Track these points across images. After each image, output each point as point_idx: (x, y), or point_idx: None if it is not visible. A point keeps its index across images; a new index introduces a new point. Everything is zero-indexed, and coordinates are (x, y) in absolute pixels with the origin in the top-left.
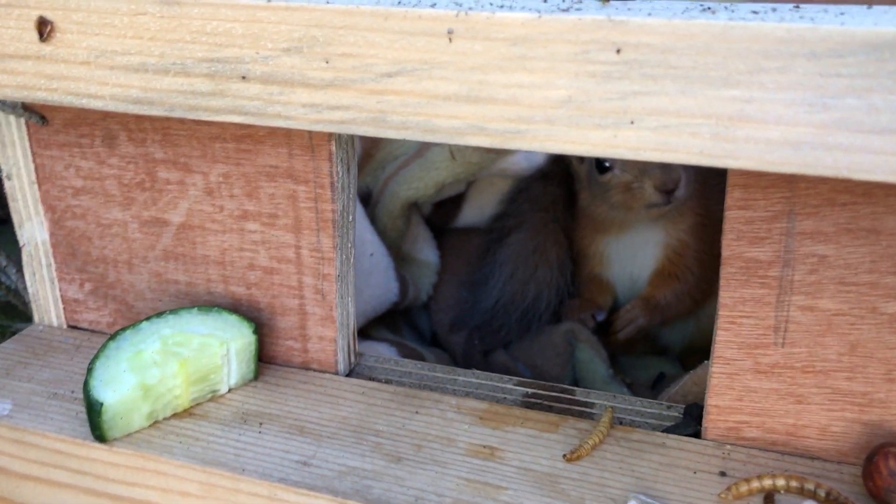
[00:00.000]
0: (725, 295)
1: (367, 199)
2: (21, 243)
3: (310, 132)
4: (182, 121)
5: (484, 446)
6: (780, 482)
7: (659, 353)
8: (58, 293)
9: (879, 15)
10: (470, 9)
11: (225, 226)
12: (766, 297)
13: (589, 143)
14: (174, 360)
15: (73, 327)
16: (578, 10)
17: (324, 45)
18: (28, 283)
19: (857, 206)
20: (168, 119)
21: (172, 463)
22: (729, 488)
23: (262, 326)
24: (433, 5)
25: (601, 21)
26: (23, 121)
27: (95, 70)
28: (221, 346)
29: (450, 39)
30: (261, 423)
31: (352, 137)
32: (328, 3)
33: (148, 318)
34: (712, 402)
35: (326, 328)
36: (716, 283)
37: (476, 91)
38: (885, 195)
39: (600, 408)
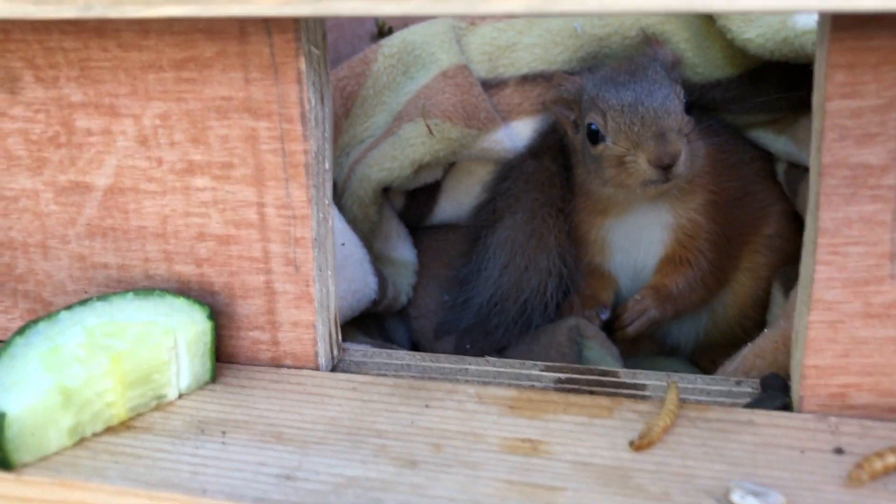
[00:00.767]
0: (826, 216)
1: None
2: None
3: (271, 46)
4: (104, 47)
5: (522, 440)
6: None
7: (668, 354)
8: None
9: None
10: None
11: (165, 185)
12: (878, 214)
13: None
14: (104, 356)
15: None
16: None
17: None
18: None
19: None
20: (86, 48)
21: (106, 489)
22: (860, 465)
23: (218, 315)
24: None
25: None
26: None
27: None
28: (167, 335)
29: None
30: (224, 433)
31: (324, 57)
32: None
33: (68, 307)
34: (810, 361)
35: (302, 310)
36: (731, 269)
37: None
38: None
39: (654, 389)
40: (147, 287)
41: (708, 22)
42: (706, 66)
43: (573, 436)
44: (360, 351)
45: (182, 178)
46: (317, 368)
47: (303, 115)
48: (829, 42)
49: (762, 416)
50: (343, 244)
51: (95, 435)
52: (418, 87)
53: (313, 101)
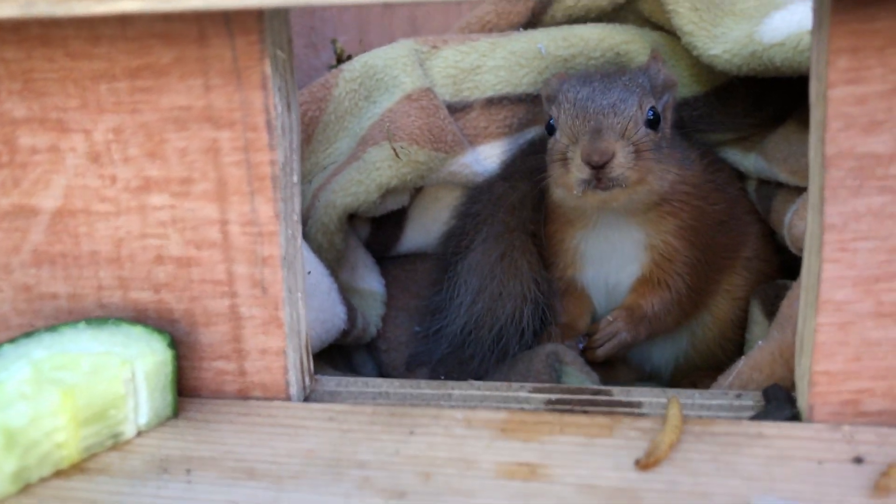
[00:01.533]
0: (832, 211)
1: None
2: None
3: (233, 49)
4: (50, 57)
5: (520, 463)
6: None
7: (647, 379)
8: None
9: None
10: None
11: (119, 204)
12: (888, 206)
13: None
14: (53, 391)
15: None
16: None
17: None
18: None
19: None
20: (30, 58)
21: None
22: (886, 474)
23: (179, 345)
24: None
25: None
26: None
27: None
28: (123, 366)
29: None
30: (189, 471)
31: (290, 62)
32: None
33: (12, 340)
34: (820, 367)
35: (271, 336)
36: (709, 293)
37: None
38: None
39: (650, 407)
40: (101, 317)
41: (673, 40)
42: None
43: (574, 457)
44: (332, 380)
45: (138, 196)
46: (288, 399)
47: (269, 123)
48: (830, 26)
49: (771, 427)
50: (309, 272)
51: (43, 480)
52: (382, 110)
53: (280, 108)
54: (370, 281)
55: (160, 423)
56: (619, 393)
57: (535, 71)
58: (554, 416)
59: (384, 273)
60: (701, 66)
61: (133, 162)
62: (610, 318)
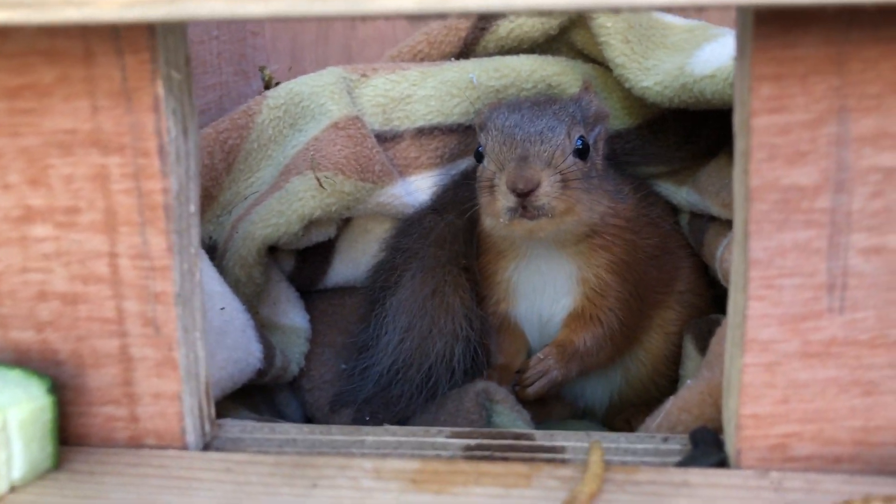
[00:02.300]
0: (757, 246)
1: (212, 254)
2: None
3: (123, 69)
4: None
5: None
6: None
7: (581, 417)
8: None
9: None
10: None
11: None
12: (813, 241)
13: None
14: None
15: None
16: None
17: None
18: None
19: None
20: None
21: None
22: None
23: (64, 389)
24: None
25: None
26: None
27: None
28: None
29: None
30: None
31: (187, 83)
32: None
33: None
34: (747, 410)
35: (165, 379)
36: (642, 329)
37: None
38: None
39: (574, 452)
40: None
41: (606, 73)
42: None
43: None
44: (237, 426)
45: (18, 227)
46: (184, 447)
47: (161, 148)
48: (752, 52)
49: (697, 475)
50: (223, 309)
51: None
52: (307, 138)
53: (174, 133)
54: (293, 316)
55: (38, 477)
56: (541, 437)
57: (467, 101)
58: (470, 464)
59: (310, 308)
60: (633, 99)
61: (13, 189)
62: (540, 355)
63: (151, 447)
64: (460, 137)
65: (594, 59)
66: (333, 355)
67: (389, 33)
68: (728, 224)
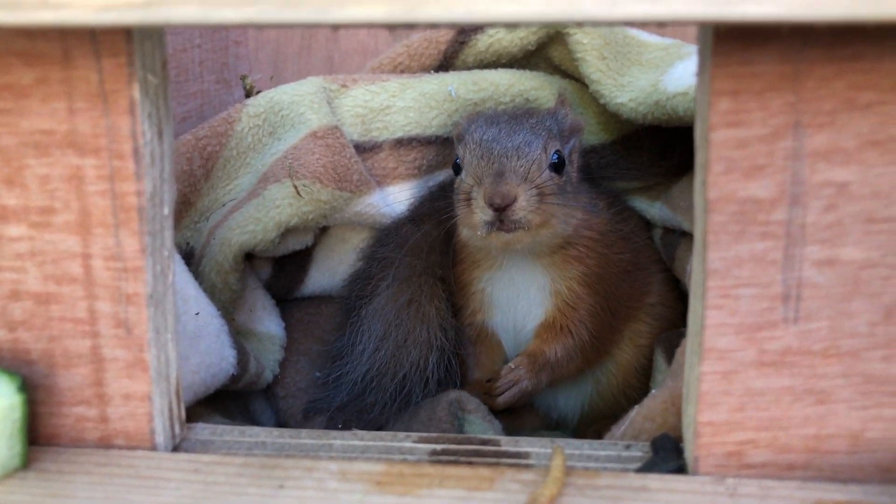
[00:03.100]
0: (715, 256)
1: (189, 259)
2: None
3: (100, 71)
4: None
5: None
6: None
7: (553, 428)
8: None
9: None
10: None
11: None
12: (769, 252)
13: (541, 0)
14: None
15: None
16: None
17: None
18: None
19: (886, 106)
20: None
21: None
22: None
23: (35, 388)
24: None
25: None
26: None
27: None
28: None
29: None
30: None
31: (164, 87)
32: None
33: None
34: (704, 417)
35: (136, 380)
36: (613, 341)
37: None
38: None
39: (538, 457)
40: None
41: (582, 88)
42: None
43: None
44: (207, 429)
45: None
46: (153, 448)
47: (136, 151)
48: (711, 68)
49: (655, 480)
50: (197, 313)
51: None
52: (286, 147)
53: (149, 136)
54: (268, 324)
55: (6, 475)
56: (507, 443)
57: (446, 113)
58: (435, 467)
59: (286, 316)
60: (608, 115)
61: None
62: (511, 365)
63: (121, 447)
64: (438, 149)
65: (571, 74)
66: (308, 363)
67: (371, 45)
68: None
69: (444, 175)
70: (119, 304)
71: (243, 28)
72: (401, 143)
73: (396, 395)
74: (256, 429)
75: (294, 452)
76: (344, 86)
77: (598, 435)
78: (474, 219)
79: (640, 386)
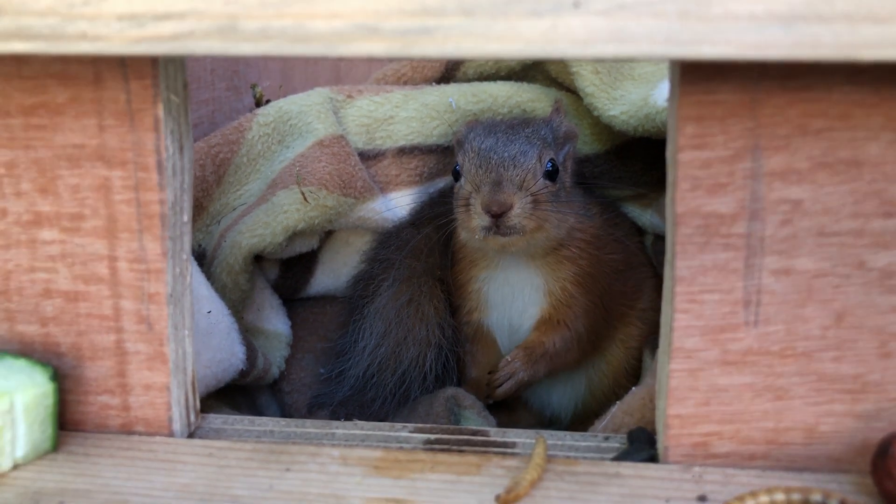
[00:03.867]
0: (682, 265)
1: (200, 261)
2: None
3: (128, 92)
4: None
5: (387, 499)
6: (779, 496)
7: (547, 425)
8: None
9: None
10: None
11: (9, 237)
12: (731, 262)
13: (521, 40)
14: None
15: None
16: None
17: None
18: None
19: (835, 132)
20: None
21: None
22: None
23: (64, 378)
24: None
25: None
26: None
27: None
28: (2, 398)
29: None
30: (62, 502)
31: (184, 106)
32: None
33: None
34: (672, 411)
35: (155, 372)
36: (606, 338)
37: None
38: (867, 115)
39: (524, 447)
40: None
41: (577, 100)
42: None
43: (440, 493)
44: (219, 418)
45: (28, 230)
46: (171, 435)
47: (159, 164)
48: (679, 96)
49: (629, 468)
50: (209, 312)
51: None
52: (294, 155)
53: (171, 150)
54: (276, 322)
55: (38, 457)
56: (495, 434)
57: (446, 123)
58: (428, 454)
59: (293, 315)
60: (601, 126)
61: (25, 196)
62: (509, 357)
63: (141, 434)
64: (439, 157)
65: (567, 87)
66: (313, 360)
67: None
68: None
69: (443, 182)
70: (141, 302)
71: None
72: (403, 152)
73: (396, 391)
74: (264, 419)
75: (299, 440)
76: (350, 96)
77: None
78: (472, 223)
79: (629, 386)
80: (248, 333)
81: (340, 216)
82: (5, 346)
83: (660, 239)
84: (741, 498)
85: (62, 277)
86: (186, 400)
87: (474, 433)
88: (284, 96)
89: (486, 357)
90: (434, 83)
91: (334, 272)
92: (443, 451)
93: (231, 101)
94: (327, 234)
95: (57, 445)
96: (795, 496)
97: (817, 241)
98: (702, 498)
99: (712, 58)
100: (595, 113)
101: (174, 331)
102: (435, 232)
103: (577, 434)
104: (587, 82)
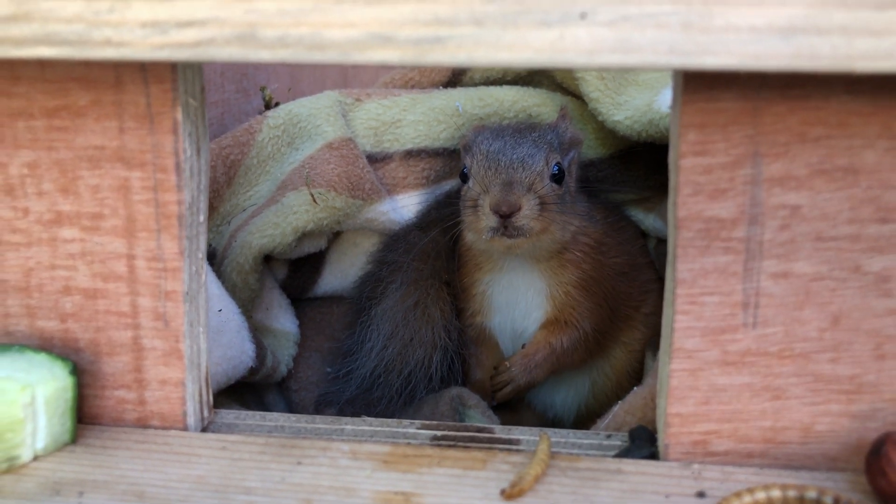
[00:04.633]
0: (683, 267)
1: (211, 260)
2: None
3: (147, 95)
4: None
5: (395, 492)
6: (776, 493)
7: (549, 426)
8: None
9: None
10: None
11: (31, 236)
12: (731, 265)
13: (530, 49)
14: None
15: None
16: None
17: None
18: None
19: (832, 139)
20: None
21: None
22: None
23: (82, 373)
24: None
25: None
26: None
27: None
28: (24, 391)
29: None
30: (81, 493)
31: (202, 109)
32: None
33: None
34: (673, 409)
35: (171, 368)
36: (611, 340)
37: None
38: (864, 124)
39: (528, 444)
40: (5, 344)
41: (582, 105)
42: None
43: (447, 487)
44: (231, 413)
45: (49, 229)
46: (185, 429)
47: (177, 165)
48: (682, 104)
49: (630, 465)
50: (220, 310)
51: None
52: (303, 157)
53: (189, 152)
54: (284, 321)
55: (58, 449)
56: (500, 431)
57: (453, 127)
58: (435, 450)
59: (300, 315)
60: (605, 131)
61: (46, 196)
62: (507, 363)
63: (156, 427)
64: (445, 160)
65: (572, 92)
66: (320, 359)
67: None
68: None
69: (450, 185)
70: (158, 299)
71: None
72: (410, 155)
73: (402, 391)
74: (275, 414)
75: (310, 435)
76: (358, 100)
77: None
78: (480, 224)
79: (631, 388)
80: (258, 332)
81: (348, 217)
82: (26, 341)
83: (662, 242)
84: (739, 494)
85: (81, 275)
86: (200, 395)
87: (480, 430)
88: (293, 99)
89: (490, 359)
90: (441, 87)
91: (342, 273)
92: (449, 446)
93: (240, 103)
94: (335, 235)
95: (76, 438)
96: (791, 493)
97: (815, 246)
98: (700, 494)
99: (715, 68)
100: (599, 118)
101: (189, 328)
102: (442, 235)
103: (579, 432)
104: (592, 87)
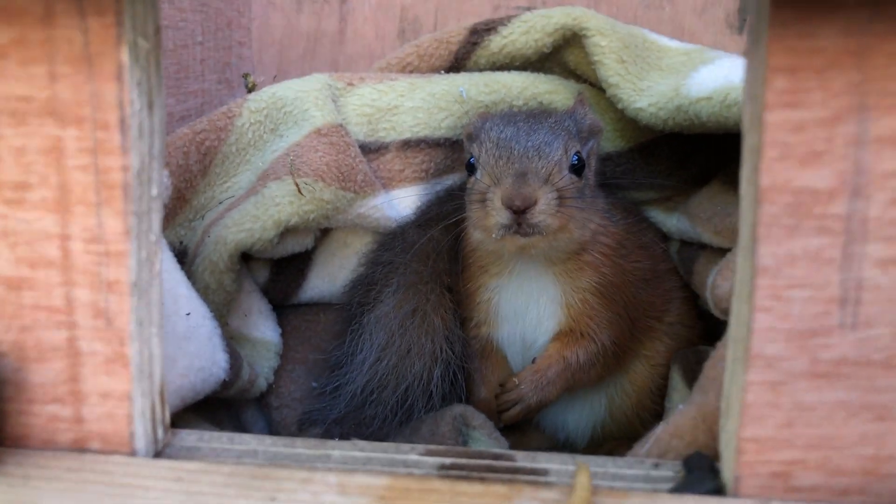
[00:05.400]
0: (766, 252)
1: (182, 259)
2: None
3: (85, 32)
4: None
5: None
6: None
7: (560, 449)
8: None
9: None
10: None
11: None
12: (826, 250)
13: None
14: None
15: None
16: None
17: None
18: None
19: None
20: None
21: None
22: None
23: (3, 384)
24: None
25: None
26: None
27: None
28: None
29: None
30: None
31: (156, 53)
32: None
33: None
34: (747, 433)
35: (115, 377)
36: (630, 353)
37: None
38: None
39: (558, 475)
40: None
41: (598, 93)
42: None
43: None
44: (193, 434)
45: None
46: (132, 454)
47: (122, 122)
48: (767, 41)
49: (692, 501)
50: (188, 314)
51: None
52: (288, 144)
53: (137, 105)
54: (264, 329)
55: None
56: (523, 458)
57: (455, 115)
58: (445, 483)
59: (283, 322)
60: (625, 121)
61: None
62: (516, 379)
63: (96, 451)
64: (447, 152)
65: (586, 79)
66: (304, 373)
67: (378, 50)
68: (720, 252)
69: (451, 179)
70: (99, 291)
71: (247, 29)
72: (408, 145)
73: (398, 409)
74: (247, 436)
75: (288, 462)
76: (350, 84)
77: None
78: (489, 221)
79: (654, 408)
80: (233, 341)
81: (338, 212)
82: None
83: (686, 245)
84: None
85: (3, 260)
86: (153, 412)
87: (497, 457)
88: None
89: (497, 375)
90: (442, 72)
91: (330, 276)
92: (462, 478)
93: (222, 94)
94: (323, 234)
95: None
96: None
97: None
98: None
99: None
100: (620, 105)
101: (139, 328)
102: (443, 233)
103: (620, 460)
104: (611, 72)
